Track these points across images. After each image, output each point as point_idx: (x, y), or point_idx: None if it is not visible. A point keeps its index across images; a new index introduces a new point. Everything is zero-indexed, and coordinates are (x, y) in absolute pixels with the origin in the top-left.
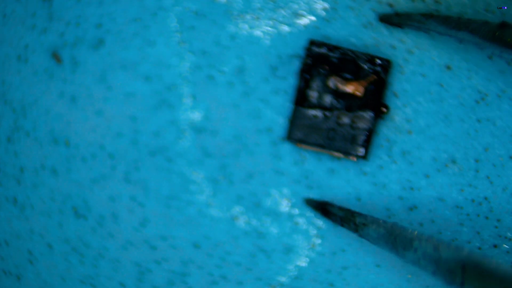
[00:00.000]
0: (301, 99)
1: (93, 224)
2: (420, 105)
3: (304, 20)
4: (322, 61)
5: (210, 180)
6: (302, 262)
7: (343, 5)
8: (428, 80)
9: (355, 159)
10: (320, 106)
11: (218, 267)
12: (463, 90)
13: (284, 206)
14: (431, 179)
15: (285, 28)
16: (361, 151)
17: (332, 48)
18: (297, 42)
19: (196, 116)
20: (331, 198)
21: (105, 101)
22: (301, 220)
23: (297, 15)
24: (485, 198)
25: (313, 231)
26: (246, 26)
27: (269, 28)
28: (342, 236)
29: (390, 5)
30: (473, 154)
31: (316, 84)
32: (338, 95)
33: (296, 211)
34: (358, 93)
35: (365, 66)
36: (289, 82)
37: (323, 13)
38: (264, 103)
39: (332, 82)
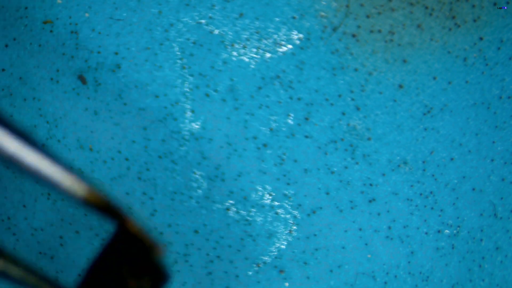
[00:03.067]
0: (89, 277)
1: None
2: (378, 117)
3: (283, 48)
4: (120, 251)
5: (207, 178)
6: (282, 245)
7: (315, 36)
8: (384, 96)
9: None
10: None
11: (213, 249)
12: (412, 105)
13: (267, 199)
14: (387, 177)
15: (268, 55)
16: None
17: (133, 241)
18: (277, 66)
19: (195, 126)
20: (305, 192)
21: (121, 114)
22: (280, 211)
23: (277, 44)
24: (431, 192)
25: (291, 220)
26: (235, 53)
27: (254, 55)
28: (314, 224)
29: (353, 35)
30: (421, 157)
31: (107, 268)
32: (119, 284)
33: (276, 203)
34: None
35: (149, 270)
36: (271, 99)
37: (298, 42)
38: (251, 116)
39: (120, 272)
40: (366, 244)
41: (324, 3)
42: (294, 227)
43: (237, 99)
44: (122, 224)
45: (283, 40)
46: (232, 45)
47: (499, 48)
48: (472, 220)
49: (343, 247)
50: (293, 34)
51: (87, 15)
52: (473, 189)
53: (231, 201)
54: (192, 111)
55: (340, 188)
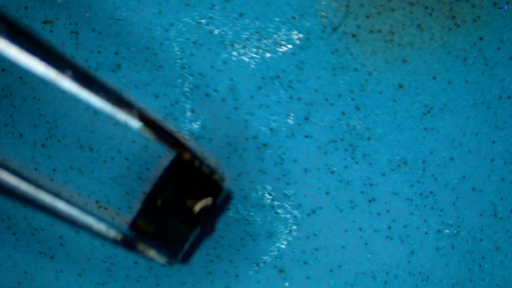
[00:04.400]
0: (150, 201)
1: (112, 214)
2: (378, 117)
3: (283, 48)
4: (176, 175)
5: None
6: (282, 245)
7: (315, 36)
8: (384, 96)
9: (171, 263)
10: (162, 210)
11: (213, 249)
12: (412, 105)
13: (267, 199)
14: (387, 177)
15: (268, 55)
16: (178, 257)
17: (190, 165)
18: (277, 66)
19: (195, 126)
20: (305, 192)
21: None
22: (280, 211)
23: (277, 44)
24: (431, 192)
25: (291, 220)
26: (235, 53)
27: (254, 55)
28: (314, 224)
29: (353, 35)
30: (421, 156)
31: (166, 192)
32: (179, 206)
33: (276, 203)
34: (194, 210)
35: (208, 191)
36: (271, 99)
37: (298, 42)
38: (250, 116)
39: (179, 195)
40: (366, 244)
41: (324, 3)
42: (294, 227)
43: (237, 99)
44: (179, 152)
45: (283, 40)
46: (232, 45)
47: (499, 48)
48: (472, 220)
49: (343, 247)
50: (293, 34)
51: (87, 15)
52: (473, 189)
53: (231, 201)
54: (192, 111)
55: (340, 188)
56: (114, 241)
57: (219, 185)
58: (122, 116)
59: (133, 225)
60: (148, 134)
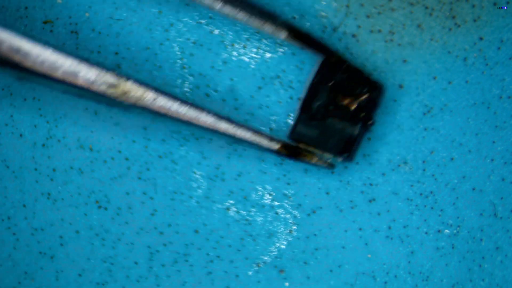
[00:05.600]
0: (306, 107)
1: (112, 214)
2: (378, 117)
3: (283, 48)
4: (327, 78)
5: (207, 178)
6: (282, 245)
7: (315, 36)
8: (384, 96)
9: (341, 159)
10: (319, 113)
11: (213, 249)
12: (412, 105)
13: (267, 199)
14: (387, 177)
15: (268, 55)
16: (345, 154)
17: (338, 66)
18: (277, 66)
19: None
20: (305, 192)
21: (121, 114)
22: (280, 211)
23: (277, 43)
24: (431, 192)
25: (291, 220)
26: (235, 53)
27: (254, 55)
28: (314, 224)
29: (353, 35)
30: (421, 156)
31: (320, 95)
32: (336, 106)
33: (276, 203)
34: (351, 107)
35: (361, 87)
36: (271, 99)
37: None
38: (250, 116)
39: (333, 95)
40: (366, 244)
41: (324, 3)
42: (294, 227)
43: (237, 99)
44: (326, 56)
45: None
46: (232, 45)
47: (499, 48)
48: (472, 220)
49: (343, 247)
50: None
51: (87, 15)
52: (473, 189)
53: (231, 201)
54: None
55: (340, 188)
56: (277, 152)
57: (370, 79)
58: (268, 28)
59: (293, 133)
60: (294, 43)
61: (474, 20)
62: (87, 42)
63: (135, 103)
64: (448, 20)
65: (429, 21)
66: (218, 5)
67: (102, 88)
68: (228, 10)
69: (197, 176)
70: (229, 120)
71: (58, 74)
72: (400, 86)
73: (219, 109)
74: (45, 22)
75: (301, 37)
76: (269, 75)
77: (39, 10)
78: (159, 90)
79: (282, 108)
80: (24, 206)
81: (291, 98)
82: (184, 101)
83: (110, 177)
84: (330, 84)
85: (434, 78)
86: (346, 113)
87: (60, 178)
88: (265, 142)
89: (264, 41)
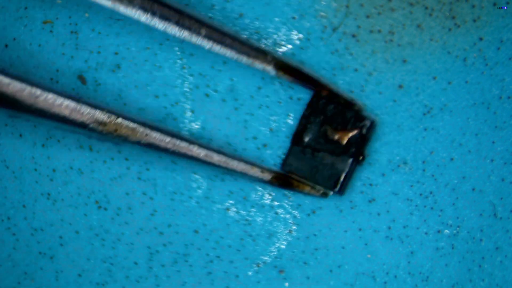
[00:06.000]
0: (297, 139)
1: (112, 214)
2: (377, 117)
3: (283, 48)
4: (319, 111)
5: (206, 178)
6: (282, 245)
7: (315, 36)
8: (384, 96)
9: (331, 193)
10: (310, 147)
11: (213, 249)
12: (412, 105)
13: (267, 199)
14: (387, 177)
15: None
16: (335, 188)
17: (329, 100)
18: None
19: (195, 126)
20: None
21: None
22: (280, 211)
23: (277, 44)
24: (431, 192)
25: (290, 220)
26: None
27: None
28: (314, 224)
29: (353, 35)
30: (421, 157)
31: (311, 129)
32: (326, 140)
33: (276, 203)
34: (343, 141)
35: (352, 121)
36: (271, 99)
37: (298, 42)
38: (250, 116)
39: (323, 129)
40: (366, 244)
41: (324, 3)
42: (294, 227)
43: (237, 99)
44: (317, 89)
45: (283, 40)
46: None
47: (499, 48)
48: (472, 220)
49: (343, 247)
50: (293, 34)
51: (87, 15)
52: (473, 189)
53: (231, 201)
54: (192, 111)
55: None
56: (269, 182)
57: (361, 114)
58: (259, 65)
59: (285, 165)
60: (284, 78)
61: (474, 20)
62: (87, 42)
63: (126, 138)
64: (447, 20)
65: (429, 21)
66: (208, 46)
67: (93, 126)
68: (218, 49)
69: (197, 176)
70: (221, 152)
71: (47, 115)
72: (400, 86)
73: (219, 109)
74: (45, 22)
75: (290, 72)
76: (269, 75)
77: (39, 10)
78: (151, 126)
79: (282, 108)
80: (24, 206)
81: (291, 98)
82: (175, 135)
83: (110, 177)
84: (320, 118)
85: (434, 78)
86: (337, 148)
87: (60, 178)
88: (257, 174)
89: (264, 41)
